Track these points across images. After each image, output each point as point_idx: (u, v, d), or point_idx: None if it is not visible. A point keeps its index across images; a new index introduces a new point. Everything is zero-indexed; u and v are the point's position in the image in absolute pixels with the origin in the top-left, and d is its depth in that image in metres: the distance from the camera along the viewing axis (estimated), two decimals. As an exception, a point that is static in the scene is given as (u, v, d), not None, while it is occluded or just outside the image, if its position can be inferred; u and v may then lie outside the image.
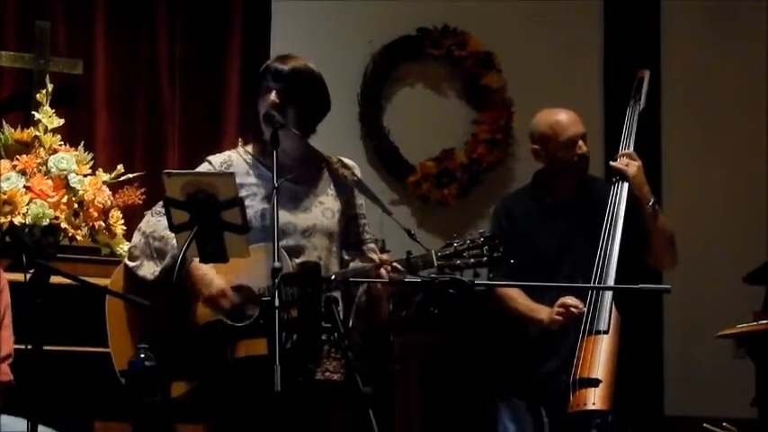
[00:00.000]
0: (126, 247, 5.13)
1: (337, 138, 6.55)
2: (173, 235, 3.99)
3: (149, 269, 4.12)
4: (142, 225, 4.25)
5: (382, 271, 4.03)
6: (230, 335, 4.03)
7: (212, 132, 6.52)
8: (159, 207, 4.19)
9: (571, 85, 6.91)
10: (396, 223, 4.21)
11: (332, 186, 4.27)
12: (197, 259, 3.93)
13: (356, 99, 6.98)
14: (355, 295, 4.13)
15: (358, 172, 4.33)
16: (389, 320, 5.61)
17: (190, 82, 6.65)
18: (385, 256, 4.12)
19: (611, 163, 4.96)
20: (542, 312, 4.80)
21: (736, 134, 7.36)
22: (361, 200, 4.32)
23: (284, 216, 4.00)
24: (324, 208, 4.22)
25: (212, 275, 4.03)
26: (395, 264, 4.05)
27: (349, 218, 4.29)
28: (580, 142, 4.93)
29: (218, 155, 4.33)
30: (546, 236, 4.92)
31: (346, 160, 4.33)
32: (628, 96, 5.18)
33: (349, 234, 4.28)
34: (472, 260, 4.02)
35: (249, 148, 4.34)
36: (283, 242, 3.92)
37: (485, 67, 7.16)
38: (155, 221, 4.19)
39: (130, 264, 4.19)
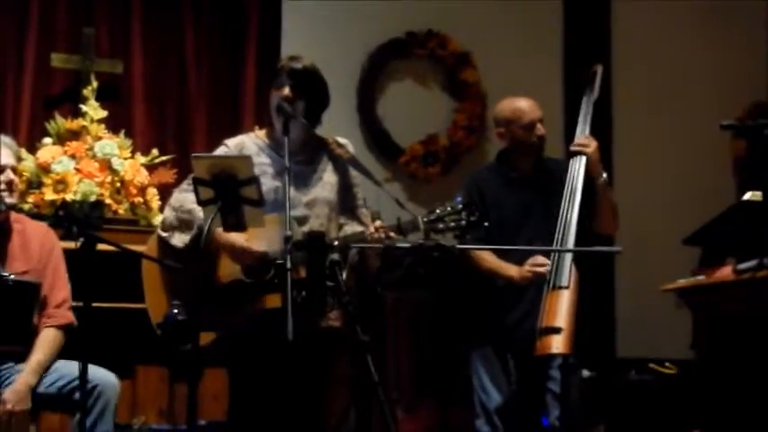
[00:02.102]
0: (160, 219, 5.13)
1: (339, 124, 6.51)
2: (198, 208, 3.99)
3: (180, 238, 4.13)
4: (171, 201, 4.26)
5: (375, 235, 4.03)
6: (249, 291, 4.03)
7: (233, 120, 6.52)
8: (185, 185, 4.20)
9: (536, 79, 6.88)
10: (386, 194, 4.21)
11: (330, 163, 4.27)
12: (219, 229, 3.94)
13: (355, 92, 6.97)
14: (349, 255, 4.13)
15: (351, 148, 4.32)
16: (378, 275, 5.62)
17: (213, 78, 6.64)
18: (378, 223, 4.12)
19: (571, 145, 4.95)
20: (511, 269, 4.78)
21: (675, 120, 7.36)
22: (354, 172, 4.31)
23: (291, 191, 3.99)
24: (323, 183, 4.22)
25: (235, 238, 4.02)
26: (387, 229, 4.05)
27: (345, 188, 4.28)
28: (538, 125, 4.91)
29: (232, 138, 4.33)
30: (509, 205, 4.89)
31: (340, 139, 4.32)
32: (584, 88, 5.16)
33: (345, 201, 4.28)
34: (452, 224, 4.01)
35: (260, 133, 4.34)
36: (291, 212, 3.91)
37: (463, 64, 7.14)
38: (182, 197, 4.18)
39: (163, 234, 4.19)
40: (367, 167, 4.38)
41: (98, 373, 4.18)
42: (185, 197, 4.14)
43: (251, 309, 4.02)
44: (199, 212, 4.02)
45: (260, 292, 4.01)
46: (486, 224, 4.10)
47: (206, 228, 3.78)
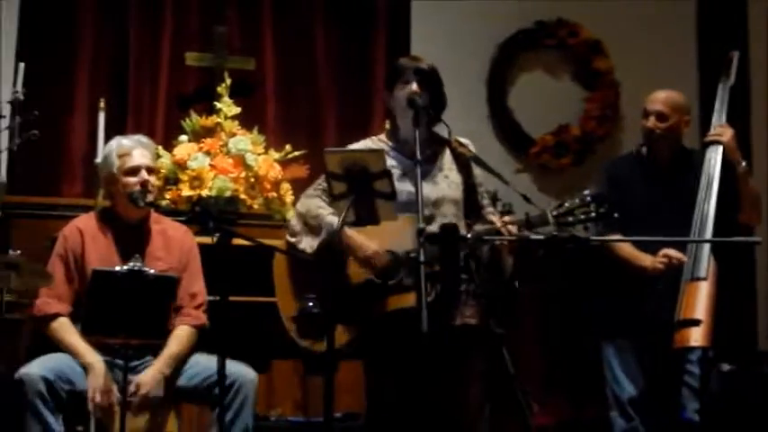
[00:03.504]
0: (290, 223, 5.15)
1: (469, 117, 6.56)
2: (325, 213, 4.03)
3: (308, 243, 4.11)
4: (298, 206, 4.26)
5: (505, 230, 3.99)
6: (380, 292, 4.01)
7: (363, 117, 6.55)
8: (311, 191, 4.21)
9: (670, 67, 6.79)
10: (514, 190, 4.16)
11: (453, 162, 4.21)
12: (349, 230, 3.94)
13: (484, 84, 6.96)
14: (481, 251, 4.09)
15: (473, 148, 4.26)
16: (512, 272, 5.58)
17: (343, 74, 6.69)
18: (507, 218, 4.07)
19: (707, 135, 4.87)
20: (646, 260, 4.73)
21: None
22: (477, 171, 4.24)
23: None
24: (449, 181, 4.16)
25: (365, 241, 4.01)
26: (515, 223, 4.00)
27: (469, 188, 4.21)
28: (651, 117, 4.84)
29: (356, 143, 4.26)
30: (643, 194, 4.85)
31: (462, 139, 4.26)
32: (720, 76, 5.07)
33: (470, 201, 4.22)
34: (582, 216, 3.97)
35: (382, 136, 4.28)
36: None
37: (594, 53, 7.08)
38: (308, 203, 4.17)
39: (291, 239, 4.17)
40: (490, 164, 4.31)
41: (236, 368, 4.24)
42: (312, 202, 4.15)
43: (382, 308, 4.00)
44: (326, 217, 4.04)
45: (391, 292, 3.98)
46: (615, 215, 4.04)
47: (339, 222, 3.78)
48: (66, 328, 4.31)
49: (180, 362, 4.35)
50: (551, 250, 3.80)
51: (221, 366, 3.92)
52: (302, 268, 4.13)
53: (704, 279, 4.58)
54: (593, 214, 3.97)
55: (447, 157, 4.22)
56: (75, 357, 4.26)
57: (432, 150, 4.20)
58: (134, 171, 4.42)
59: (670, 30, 7.17)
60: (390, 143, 4.21)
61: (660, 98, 4.86)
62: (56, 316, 4.33)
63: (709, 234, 4.64)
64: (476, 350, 4.09)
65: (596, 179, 5.03)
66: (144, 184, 4.40)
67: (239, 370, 4.27)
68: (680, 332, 4.53)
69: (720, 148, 4.78)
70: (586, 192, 4.01)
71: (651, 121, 4.83)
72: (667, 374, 4.78)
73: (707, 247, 4.63)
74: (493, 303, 3.89)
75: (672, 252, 4.66)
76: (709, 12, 7.24)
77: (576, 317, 5.92)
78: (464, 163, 4.22)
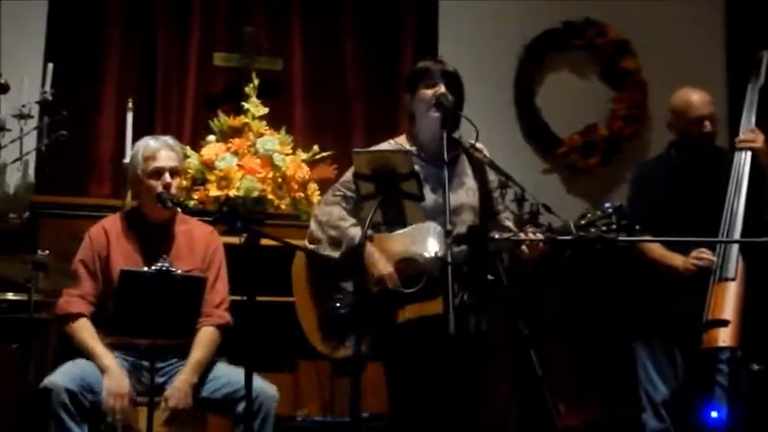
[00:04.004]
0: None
1: (497, 118, 6.56)
2: (346, 225, 3.99)
3: (329, 252, 4.04)
4: (317, 213, 4.17)
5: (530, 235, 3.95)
6: (402, 300, 3.93)
7: (390, 117, 6.53)
8: (330, 196, 4.15)
9: (698, 67, 6.75)
10: (531, 197, 4.12)
11: (469, 168, 4.17)
12: (369, 247, 3.89)
13: (512, 85, 6.94)
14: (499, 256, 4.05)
15: (487, 152, 4.21)
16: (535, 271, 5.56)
17: (371, 75, 6.68)
18: (530, 229, 4.03)
19: (737, 139, 4.86)
20: (677, 260, 4.75)
21: None
22: (492, 176, 4.18)
23: (437, 198, 3.94)
24: (466, 188, 4.12)
25: (381, 259, 3.93)
26: (538, 234, 3.97)
27: (484, 194, 4.16)
28: (706, 122, 4.85)
29: (374, 147, 4.18)
30: (675, 196, 4.86)
31: (477, 144, 4.20)
32: (748, 76, 5.04)
33: (485, 207, 4.16)
34: (604, 228, 3.95)
35: (399, 139, 4.20)
36: (438, 220, 3.84)
37: (622, 52, 7.06)
38: (328, 211, 4.10)
39: (311, 246, 4.10)
40: (518, 165, 4.29)
41: (259, 384, 4.20)
42: (333, 211, 4.07)
43: (404, 316, 3.90)
44: (348, 230, 3.99)
45: (412, 299, 3.91)
46: (637, 227, 4.03)
47: (362, 235, 3.75)
48: (85, 330, 4.33)
49: (205, 366, 4.35)
50: (579, 251, 3.79)
51: (248, 381, 3.87)
52: (321, 274, 4.09)
53: (733, 279, 4.60)
54: (614, 226, 3.96)
55: (464, 162, 4.17)
56: (92, 360, 4.26)
57: (449, 156, 4.15)
58: (157, 173, 4.42)
59: (698, 29, 7.14)
60: (410, 146, 4.13)
61: (706, 100, 4.89)
62: (78, 316, 4.34)
63: (737, 234, 4.64)
64: (502, 352, 4.07)
65: (630, 181, 5.07)
66: (166, 186, 4.40)
67: (262, 386, 4.24)
68: (708, 332, 4.55)
69: (750, 151, 4.78)
70: (608, 204, 4.00)
71: (708, 126, 4.85)
72: (699, 375, 4.77)
73: (735, 247, 4.64)
74: (520, 304, 3.86)
75: (705, 253, 4.66)
76: (738, 11, 7.21)
77: (607, 317, 5.90)
78: (480, 168, 4.17)
